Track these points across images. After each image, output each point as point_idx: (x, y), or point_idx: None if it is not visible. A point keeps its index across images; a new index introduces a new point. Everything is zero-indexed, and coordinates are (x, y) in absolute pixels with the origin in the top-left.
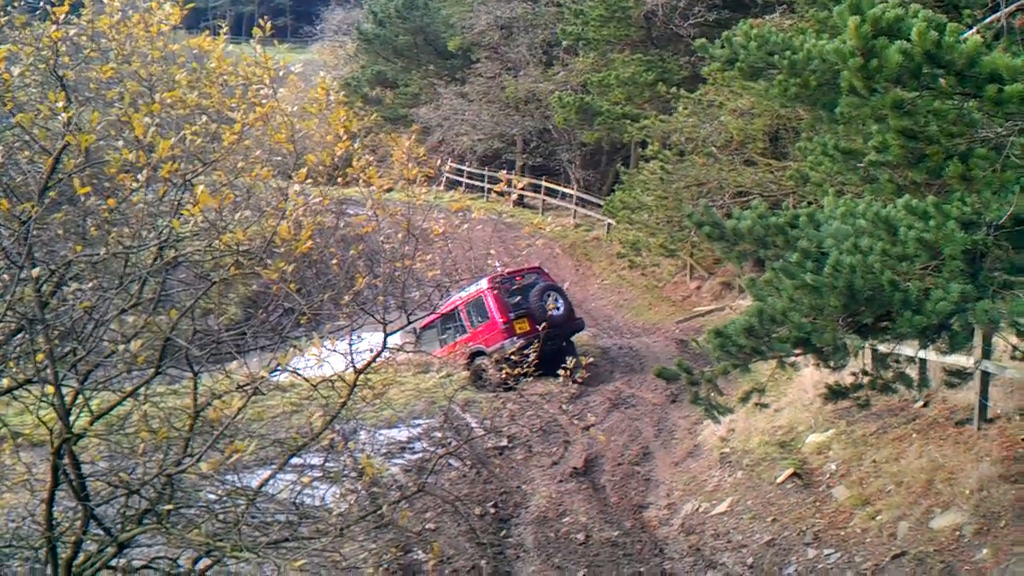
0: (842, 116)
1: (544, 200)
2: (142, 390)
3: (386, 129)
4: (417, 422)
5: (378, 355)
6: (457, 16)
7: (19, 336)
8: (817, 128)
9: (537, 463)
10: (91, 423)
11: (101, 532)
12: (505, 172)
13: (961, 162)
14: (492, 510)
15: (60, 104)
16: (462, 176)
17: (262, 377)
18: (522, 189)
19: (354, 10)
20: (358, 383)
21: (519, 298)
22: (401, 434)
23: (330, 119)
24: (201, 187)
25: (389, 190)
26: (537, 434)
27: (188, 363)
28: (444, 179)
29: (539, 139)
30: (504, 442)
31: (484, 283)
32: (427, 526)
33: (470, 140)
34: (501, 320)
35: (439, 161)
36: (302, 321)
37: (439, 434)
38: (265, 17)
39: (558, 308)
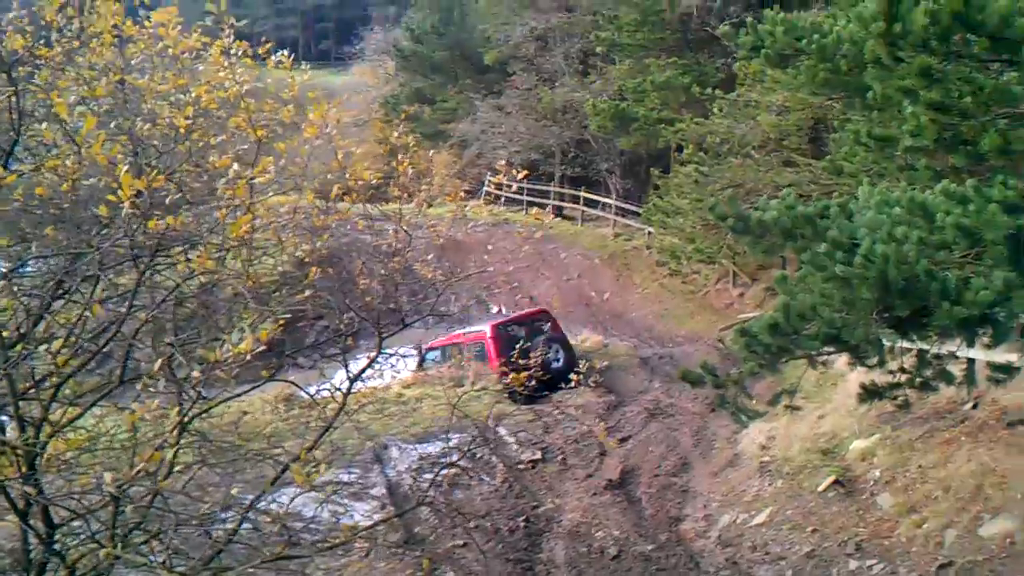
0: (875, 101)
1: (583, 211)
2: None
3: (424, 145)
4: (450, 436)
5: (371, 363)
6: (493, 29)
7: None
8: (850, 116)
9: (571, 476)
10: (49, 436)
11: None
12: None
13: (999, 135)
14: (523, 524)
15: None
16: (501, 190)
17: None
18: (561, 201)
19: (394, 30)
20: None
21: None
22: (433, 448)
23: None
24: (124, 168)
25: (429, 205)
26: (572, 446)
27: (172, 373)
28: (484, 193)
29: (577, 149)
30: (537, 455)
31: (488, 329)
32: (456, 542)
33: (507, 152)
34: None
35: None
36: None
37: (457, 454)
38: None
39: (558, 360)
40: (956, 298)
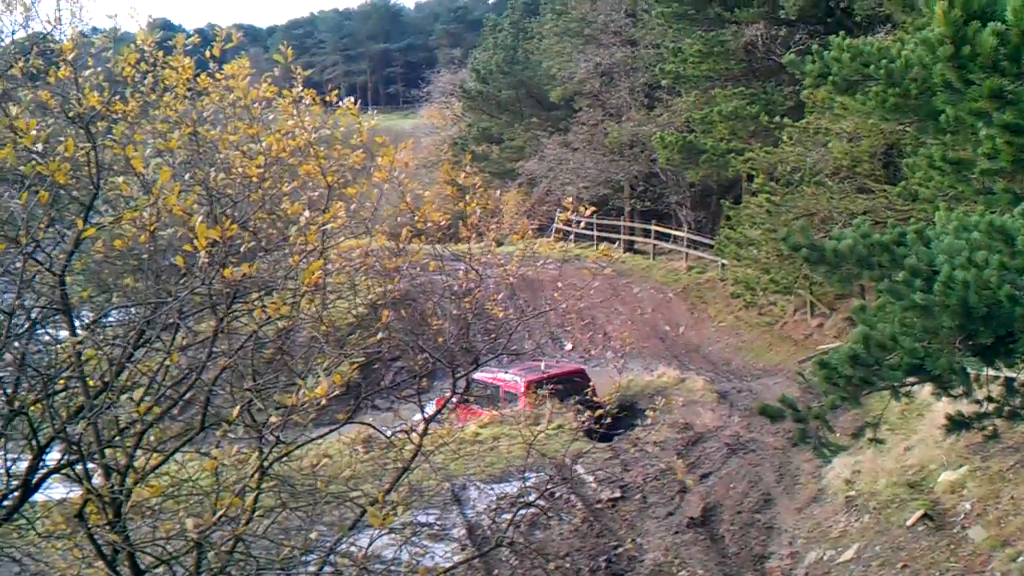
0: (948, 124)
1: (655, 245)
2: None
3: (493, 184)
4: (528, 475)
5: (446, 403)
6: (557, 67)
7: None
8: (923, 141)
9: (652, 514)
10: (134, 483)
11: None
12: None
13: None
14: (604, 565)
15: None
16: (571, 226)
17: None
18: (631, 235)
19: (460, 71)
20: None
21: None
22: (511, 487)
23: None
24: (200, 219)
25: (499, 243)
26: (651, 483)
27: (252, 418)
28: (553, 230)
29: (646, 183)
30: (617, 493)
31: (521, 384)
32: None
33: (575, 189)
34: None
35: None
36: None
37: (535, 493)
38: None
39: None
40: None
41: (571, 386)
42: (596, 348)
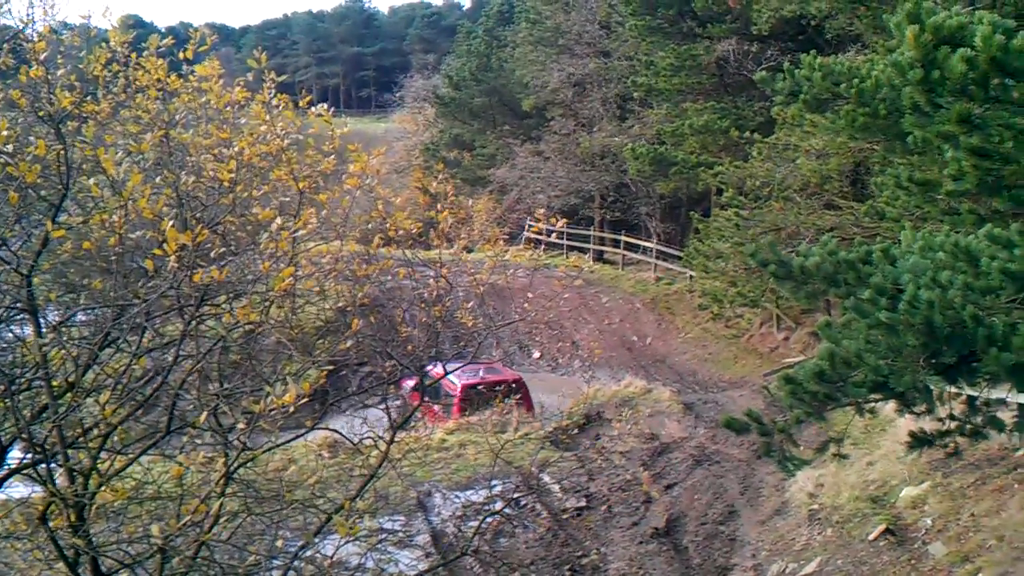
0: (915, 145)
1: (624, 255)
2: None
3: (464, 191)
4: (493, 483)
5: (417, 408)
6: (530, 76)
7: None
8: (891, 161)
9: (617, 524)
10: (98, 486)
11: None
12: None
13: None
14: (568, 574)
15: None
16: (541, 234)
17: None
18: (601, 245)
19: (433, 77)
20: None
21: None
22: (477, 495)
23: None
24: (170, 223)
25: (469, 250)
26: (617, 493)
27: (218, 422)
28: (524, 238)
29: (616, 194)
30: (582, 502)
31: (459, 387)
32: None
33: (546, 197)
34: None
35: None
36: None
37: (501, 502)
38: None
39: None
40: (1004, 344)
41: (508, 392)
42: (564, 357)
